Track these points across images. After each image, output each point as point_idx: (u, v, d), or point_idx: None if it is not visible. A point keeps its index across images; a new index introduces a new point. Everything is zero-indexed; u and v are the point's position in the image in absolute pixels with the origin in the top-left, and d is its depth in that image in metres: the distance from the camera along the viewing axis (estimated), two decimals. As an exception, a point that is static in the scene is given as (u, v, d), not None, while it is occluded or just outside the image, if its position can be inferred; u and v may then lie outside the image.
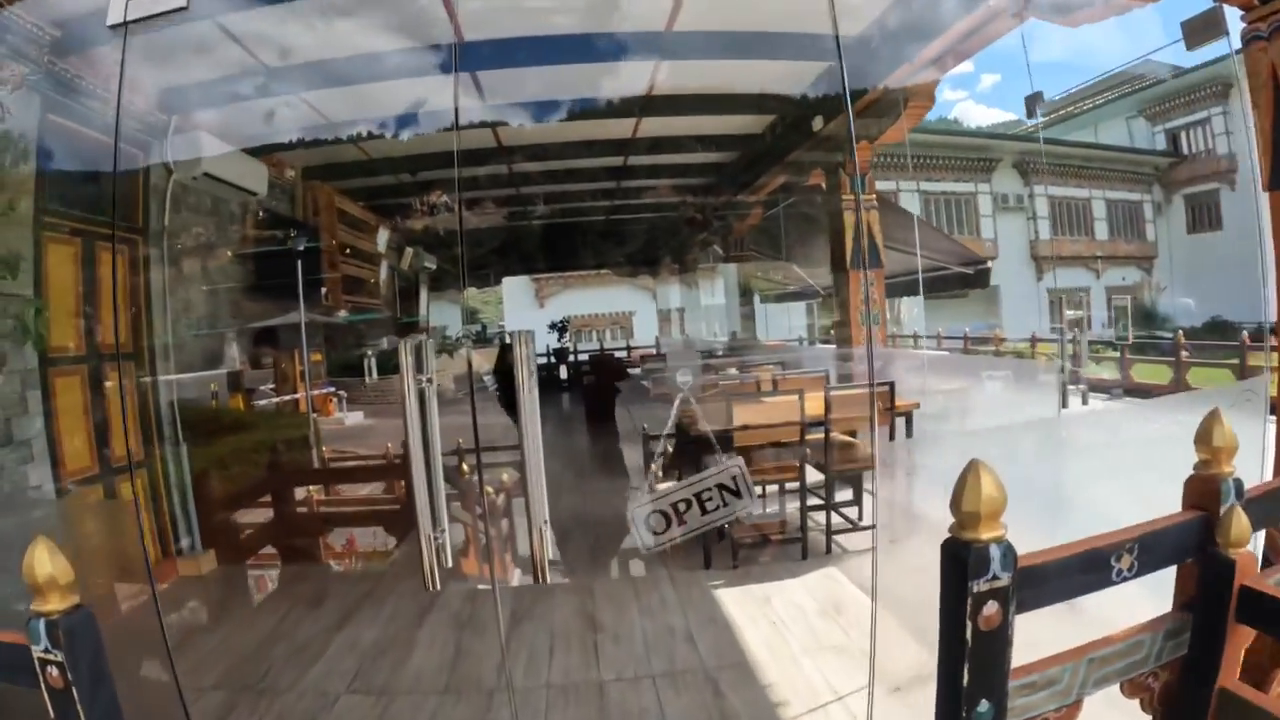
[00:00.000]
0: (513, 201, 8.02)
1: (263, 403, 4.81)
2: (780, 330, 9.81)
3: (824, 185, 6.03)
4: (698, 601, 3.05)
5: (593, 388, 8.12)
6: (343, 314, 6.94)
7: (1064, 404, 4.93)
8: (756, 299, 9.51)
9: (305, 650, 2.73)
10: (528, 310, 13.81)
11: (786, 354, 8.78)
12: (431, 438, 1.89)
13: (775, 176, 7.31)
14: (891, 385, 3.71)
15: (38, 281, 2.68)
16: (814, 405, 3.46)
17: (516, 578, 3.35)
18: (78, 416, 2.94)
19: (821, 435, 3.48)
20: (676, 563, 3.39)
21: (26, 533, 2.39)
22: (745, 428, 3.05)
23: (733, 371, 6.44)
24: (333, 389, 5.42)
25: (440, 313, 11.27)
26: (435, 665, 2.66)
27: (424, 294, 9.58)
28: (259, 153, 4.34)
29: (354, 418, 5.33)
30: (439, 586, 1.76)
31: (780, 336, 9.54)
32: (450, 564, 1.77)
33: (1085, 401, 5.08)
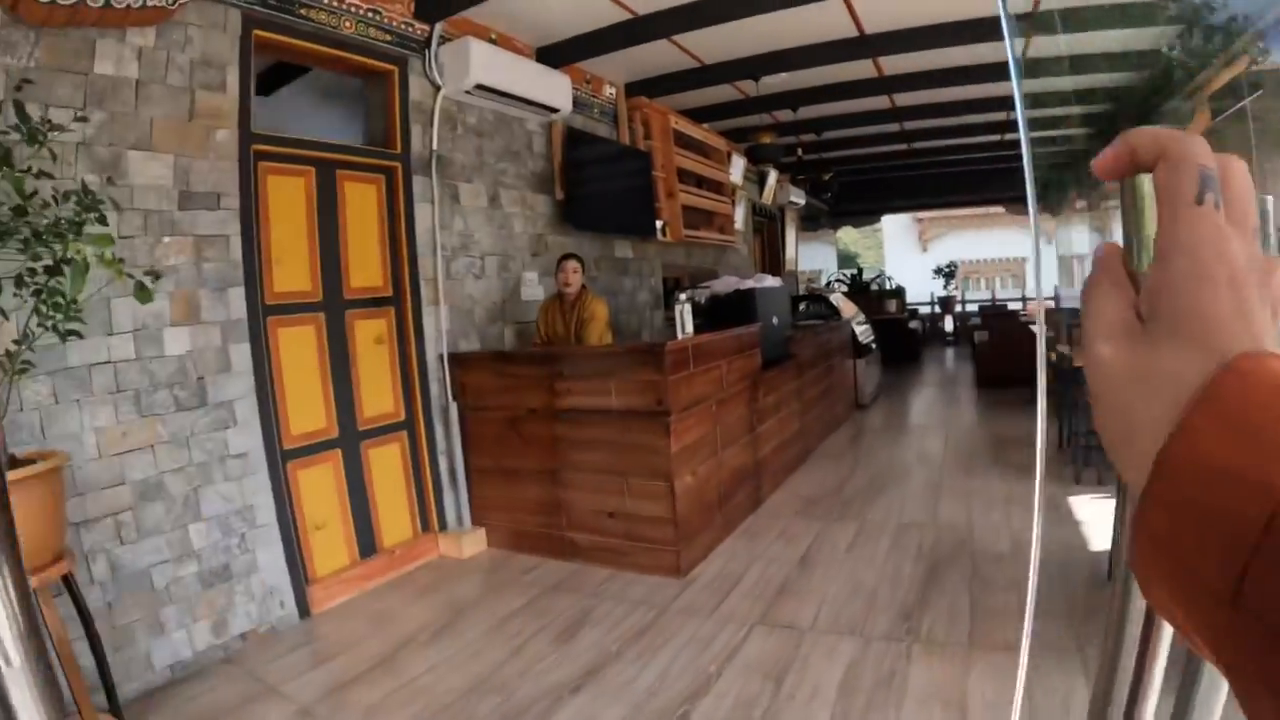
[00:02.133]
0: (889, 125, 6.25)
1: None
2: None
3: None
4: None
5: (988, 347, 6.49)
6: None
7: None
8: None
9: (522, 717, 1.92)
10: (909, 253, 11.90)
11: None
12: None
13: (1233, 63, 4.46)
14: None
15: (249, 219, 2.32)
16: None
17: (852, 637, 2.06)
18: (311, 371, 2.62)
19: None
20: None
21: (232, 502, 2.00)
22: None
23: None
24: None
25: (811, 254, 10.03)
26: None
27: (791, 233, 8.43)
28: (555, 62, 3.70)
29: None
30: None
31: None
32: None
33: None
